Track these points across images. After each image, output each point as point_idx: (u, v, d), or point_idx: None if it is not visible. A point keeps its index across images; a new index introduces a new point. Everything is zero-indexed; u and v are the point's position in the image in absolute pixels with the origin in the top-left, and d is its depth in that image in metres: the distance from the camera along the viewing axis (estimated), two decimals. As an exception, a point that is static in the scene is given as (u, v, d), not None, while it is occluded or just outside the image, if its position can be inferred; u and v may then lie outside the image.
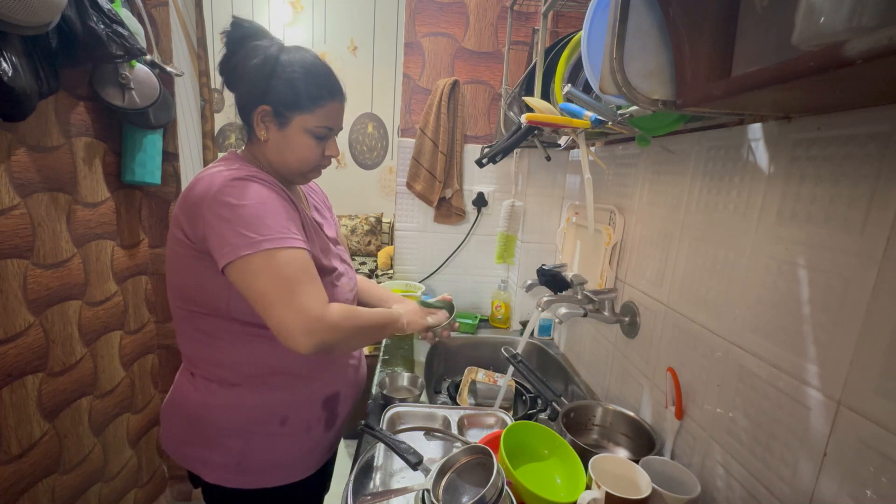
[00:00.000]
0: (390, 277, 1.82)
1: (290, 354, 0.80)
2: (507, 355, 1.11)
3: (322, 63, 0.84)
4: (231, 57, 0.83)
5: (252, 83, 0.81)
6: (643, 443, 0.93)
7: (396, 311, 0.95)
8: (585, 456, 0.80)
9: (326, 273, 0.85)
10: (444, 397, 1.33)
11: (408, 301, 1.10)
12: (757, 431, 0.68)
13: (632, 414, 0.98)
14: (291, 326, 0.71)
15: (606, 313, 1.10)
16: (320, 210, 1.00)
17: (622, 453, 0.98)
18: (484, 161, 1.30)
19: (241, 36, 0.82)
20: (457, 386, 1.25)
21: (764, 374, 0.67)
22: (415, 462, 0.80)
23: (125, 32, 1.13)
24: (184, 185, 1.58)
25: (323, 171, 0.90)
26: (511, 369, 1.09)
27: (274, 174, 0.86)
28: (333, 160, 0.91)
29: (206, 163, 1.80)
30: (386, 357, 1.40)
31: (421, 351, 1.46)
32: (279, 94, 0.80)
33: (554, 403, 1.00)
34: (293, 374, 0.85)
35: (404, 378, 1.23)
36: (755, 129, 0.70)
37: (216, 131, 1.85)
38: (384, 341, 1.52)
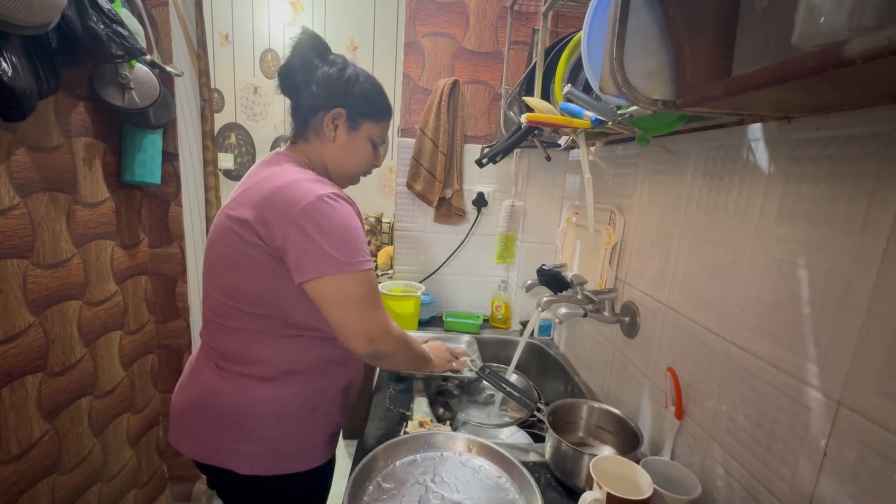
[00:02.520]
0: (390, 277, 1.81)
1: (324, 350, 0.89)
2: (474, 369, 1.12)
3: (381, 85, 0.96)
4: (300, 62, 0.89)
5: (330, 87, 0.88)
6: (628, 439, 0.93)
7: (429, 354, 1.06)
8: (573, 455, 0.82)
9: None
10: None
11: (432, 343, 1.18)
12: (757, 431, 0.68)
13: (617, 411, 0.98)
14: (356, 330, 0.80)
15: (606, 313, 1.10)
16: None
17: (608, 451, 0.98)
18: (484, 161, 1.30)
19: (312, 47, 0.89)
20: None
21: (764, 374, 0.67)
22: (533, 405, 1.01)
23: (125, 32, 1.13)
24: (184, 186, 1.58)
25: None
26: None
27: (323, 173, 0.92)
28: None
29: (206, 163, 1.80)
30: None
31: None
32: (357, 101, 0.90)
33: (537, 407, 1.01)
34: (323, 368, 0.91)
35: None
36: (755, 129, 0.70)
37: (216, 131, 1.85)
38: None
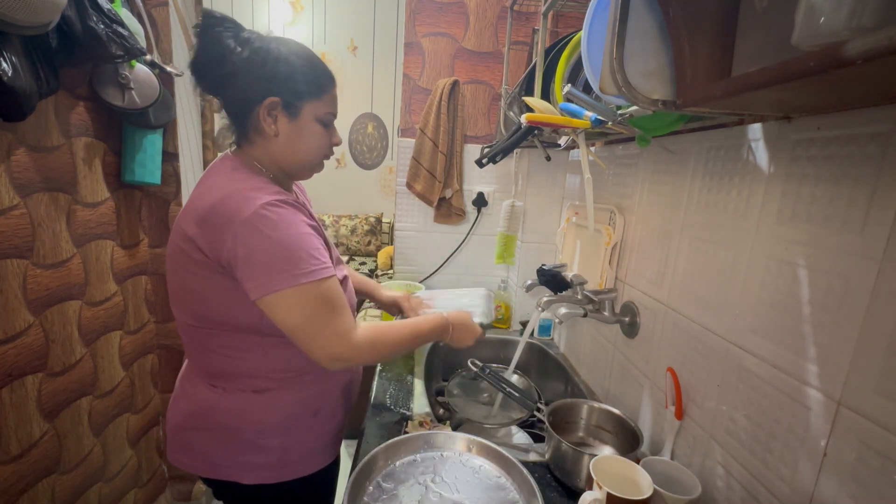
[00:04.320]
0: (390, 277, 1.82)
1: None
2: (475, 369, 1.11)
3: (311, 50, 0.83)
4: (208, 53, 0.76)
5: (253, 77, 0.76)
6: (628, 439, 0.93)
7: (444, 320, 0.98)
8: (572, 455, 0.82)
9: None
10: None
11: (455, 314, 1.05)
12: (757, 431, 0.68)
13: (617, 411, 0.98)
14: (316, 349, 0.76)
15: (606, 313, 1.10)
16: (309, 207, 1.00)
17: (607, 450, 0.98)
18: (484, 161, 1.30)
19: (222, 31, 0.76)
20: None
21: (764, 374, 0.67)
22: (533, 405, 1.00)
23: (125, 32, 1.13)
24: (184, 186, 1.58)
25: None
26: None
27: (277, 171, 0.84)
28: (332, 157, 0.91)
29: (206, 163, 1.80)
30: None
31: (421, 349, 1.46)
32: (287, 83, 0.77)
33: (538, 407, 1.01)
34: (319, 372, 0.88)
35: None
36: (755, 129, 0.70)
37: (216, 131, 1.85)
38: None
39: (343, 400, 0.96)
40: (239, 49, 0.76)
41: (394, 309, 1.23)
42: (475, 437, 0.92)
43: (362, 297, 1.23)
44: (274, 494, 0.88)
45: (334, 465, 0.99)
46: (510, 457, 0.86)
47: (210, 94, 0.81)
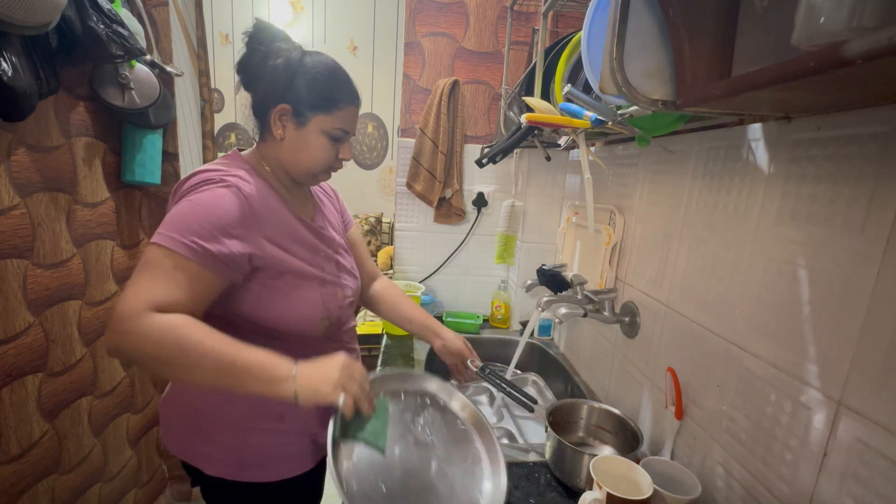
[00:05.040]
0: (390, 277, 1.81)
1: (281, 354, 0.72)
2: (474, 369, 1.11)
3: (342, 69, 0.87)
4: (251, 56, 0.83)
5: (273, 82, 0.82)
6: (628, 439, 0.93)
7: (286, 366, 0.70)
8: (572, 455, 0.81)
9: (307, 278, 0.84)
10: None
11: (445, 331, 1.08)
12: (757, 431, 0.68)
13: (617, 411, 0.98)
14: (114, 312, 0.65)
15: (606, 313, 1.10)
16: (329, 213, 1.00)
17: (608, 451, 0.98)
18: (484, 161, 1.30)
19: (264, 37, 0.83)
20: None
21: (764, 374, 0.67)
22: (532, 404, 0.99)
23: (125, 32, 1.13)
24: (184, 185, 1.58)
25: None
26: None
27: (282, 173, 0.87)
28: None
29: (205, 162, 1.80)
30: (385, 357, 1.40)
31: (421, 350, 1.46)
32: (300, 94, 0.82)
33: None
34: None
35: None
36: (755, 129, 0.70)
37: (216, 131, 1.85)
38: (383, 341, 1.52)
39: (319, 413, 0.86)
40: (271, 57, 0.82)
41: (451, 358, 1.11)
42: (463, 396, 0.93)
43: (416, 335, 1.14)
44: (236, 493, 0.86)
45: (313, 477, 0.93)
46: (486, 422, 0.88)
47: (246, 91, 0.87)
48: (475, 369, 1.11)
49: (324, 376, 0.71)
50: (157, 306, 0.65)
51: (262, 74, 0.82)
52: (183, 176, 1.55)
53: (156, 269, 0.68)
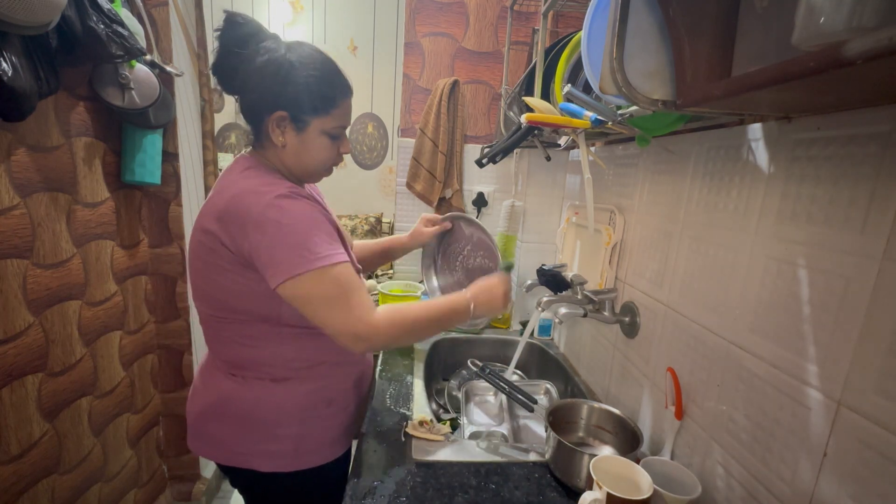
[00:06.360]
0: (390, 277, 1.82)
1: (329, 346, 0.85)
2: (475, 368, 1.11)
3: (329, 60, 0.84)
4: (227, 58, 0.80)
5: (264, 88, 0.79)
6: (628, 439, 0.93)
7: (463, 299, 0.92)
8: (573, 455, 0.82)
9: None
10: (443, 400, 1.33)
11: (478, 286, 1.02)
12: (757, 431, 0.68)
13: (617, 411, 0.98)
14: (343, 335, 0.78)
15: (606, 313, 1.10)
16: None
17: (608, 451, 0.98)
18: (484, 161, 1.30)
19: (239, 35, 0.79)
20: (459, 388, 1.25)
21: (764, 374, 0.67)
22: (533, 406, 1.04)
23: (125, 32, 1.13)
24: (184, 186, 1.58)
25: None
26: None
27: (288, 176, 0.88)
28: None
29: (206, 163, 1.80)
30: (385, 355, 1.39)
31: (421, 348, 1.45)
32: (296, 99, 0.79)
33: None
34: (332, 362, 0.92)
35: None
36: (755, 129, 0.70)
37: (216, 131, 1.85)
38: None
39: (355, 392, 0.98)
40: (256, 58, 0.79)
41: (423, 237, 1.27)
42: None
43: (389, 259, 1.28)
44: (289, 482, 0.91)
45: (346, 458, 1.00)
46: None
47: (231, 95, 0.85)
48: (475, 369, 1.11)
49: (492, 296, 0.95)
50: (371, 308, 0.80)
51: (247, 80, 0.79)
52: (183, 176, 1.56)
53: (342, 282, 0.78)
